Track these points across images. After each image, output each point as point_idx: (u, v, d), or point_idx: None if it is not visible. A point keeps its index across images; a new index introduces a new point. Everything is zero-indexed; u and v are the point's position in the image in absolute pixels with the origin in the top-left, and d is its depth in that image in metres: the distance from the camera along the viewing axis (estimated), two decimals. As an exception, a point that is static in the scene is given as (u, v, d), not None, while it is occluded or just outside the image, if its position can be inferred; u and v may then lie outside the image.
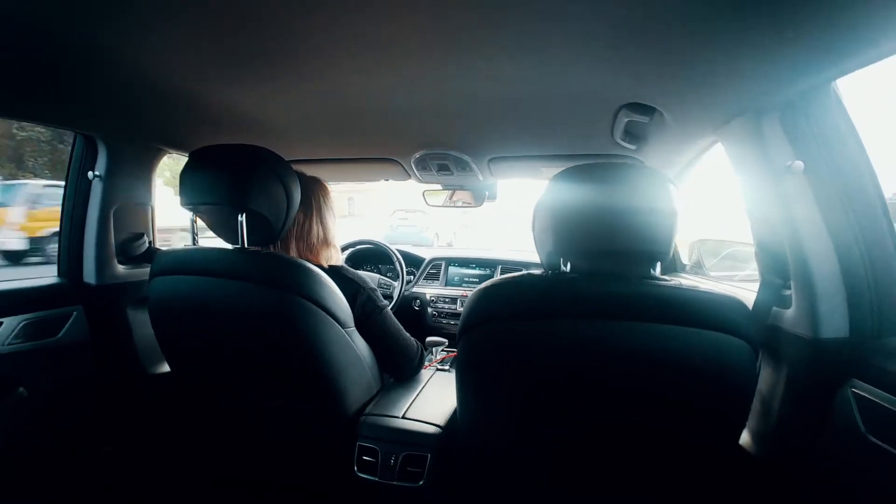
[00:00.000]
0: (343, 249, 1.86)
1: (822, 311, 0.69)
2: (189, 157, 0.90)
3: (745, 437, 0.88)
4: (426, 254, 1.98)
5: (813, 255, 0.70)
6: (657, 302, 0.60)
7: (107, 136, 1.04)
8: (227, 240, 1.00)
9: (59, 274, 1.10)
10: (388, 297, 1.78)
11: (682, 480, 0.71)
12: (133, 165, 1.11)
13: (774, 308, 0.79)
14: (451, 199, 1.53)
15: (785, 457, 0.76)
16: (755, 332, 0.61)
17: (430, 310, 1.89)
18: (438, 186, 1.57)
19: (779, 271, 0.79)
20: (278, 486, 1.15)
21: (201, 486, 1.27)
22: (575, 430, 0.68)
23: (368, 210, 20.27)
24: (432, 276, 2.01)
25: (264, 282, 0.88)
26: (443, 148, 1.23)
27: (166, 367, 1.15)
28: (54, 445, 1.03)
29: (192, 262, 0.92)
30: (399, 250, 1.85)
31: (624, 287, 0.62)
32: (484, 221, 15.29)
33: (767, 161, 0.73)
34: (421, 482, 0.94)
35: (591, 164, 0.68)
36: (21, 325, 1.01)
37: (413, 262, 1.97)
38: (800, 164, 0.70)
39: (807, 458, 0.71)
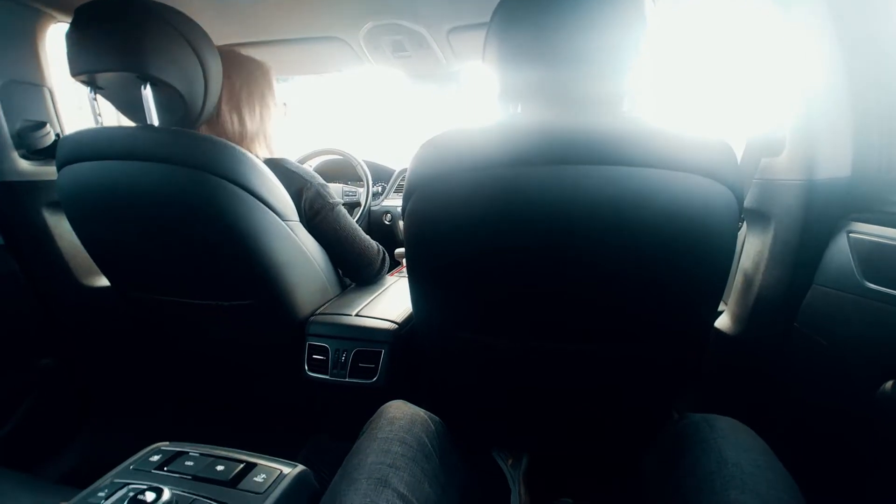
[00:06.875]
0: (301, 163, 1.72)
1: (822, 149, 0.57)
2: (74, 14, 0.74)
3: (723, 321, 0.81)
4: (396, 165, 1.83)
5: (817, 77, 0.57)
6: (622, 139, 0.48)
7: None
8: (136, 121, 0.86)
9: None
10: (357, 203, 1.67)
11: (651, 357, 0.64)
12: (9, 32, 0.92)
13: (764, 160, 0.67)
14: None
15: (764, 331, 0.69)
16: (741, 183, 0.50)
17: (401, 223, 1.78)
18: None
19: (772, 115, 0.66)
20: (231, 392, 1.11)
21: (149, 396, 1.23)
22: (533, 298, 0.59)
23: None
24: (403, 189, 1.86)
25: (177, 162, 0.75)
26: (393, 16, 1.04)
27: (105, 281, 1.06)
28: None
29: (96, 145, 0.78)
30: (366, 161, 1.70)
31: (589, 124, 0.50)
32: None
33: None
34: (375, 378, 0.88)
35: None
36: None
37: (382, 174, 1.83)
38: None
39: (790, 326, 0.64)
